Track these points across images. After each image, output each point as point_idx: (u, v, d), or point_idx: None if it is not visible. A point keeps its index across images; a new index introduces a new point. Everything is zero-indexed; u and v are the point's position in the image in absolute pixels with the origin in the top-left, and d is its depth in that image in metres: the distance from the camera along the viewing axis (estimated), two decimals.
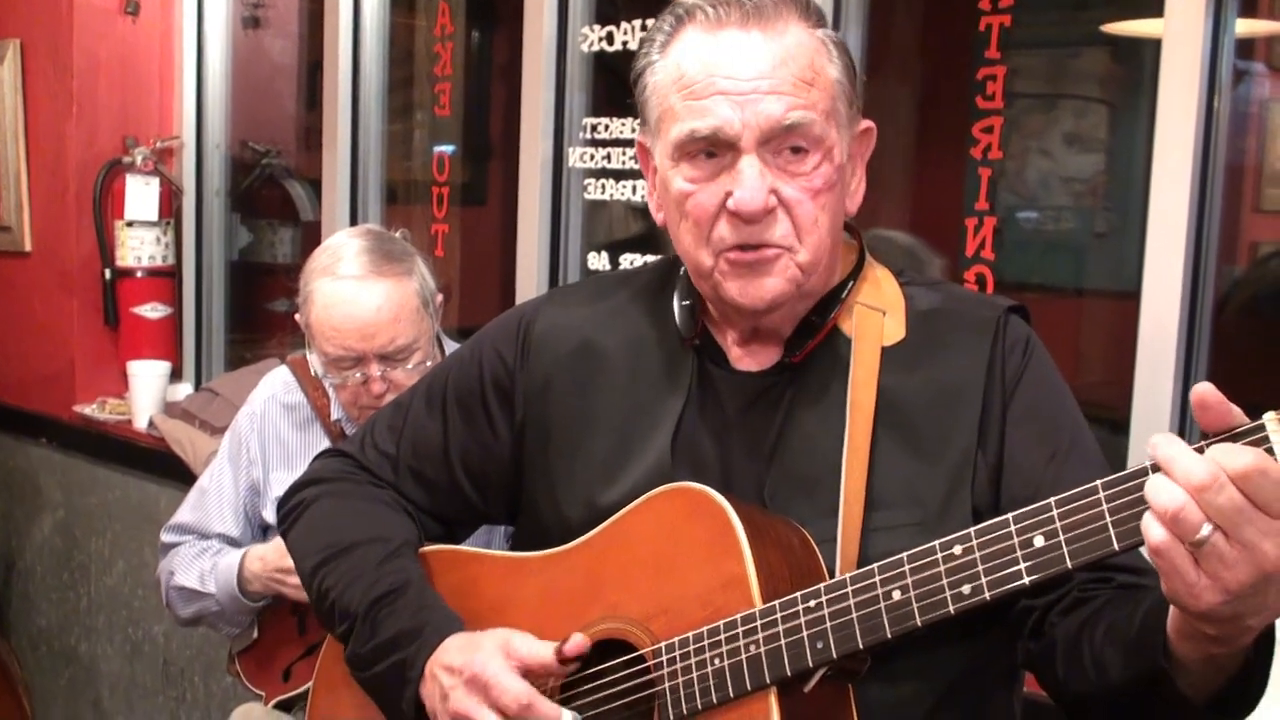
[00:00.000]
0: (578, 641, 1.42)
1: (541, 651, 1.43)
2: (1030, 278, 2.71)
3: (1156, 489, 1.06)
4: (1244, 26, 2.24)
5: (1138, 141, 2.43)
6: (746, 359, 1.54)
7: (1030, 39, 2.54)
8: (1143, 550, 1.12)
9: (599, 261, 3.11)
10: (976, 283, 2.47)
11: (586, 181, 3.13)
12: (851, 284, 1.53)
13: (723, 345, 1.56)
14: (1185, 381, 2.22)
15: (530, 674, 1.44)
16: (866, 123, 1.53)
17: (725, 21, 1.41)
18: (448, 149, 3.65)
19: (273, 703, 2.46)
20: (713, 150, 1.42)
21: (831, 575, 1.38)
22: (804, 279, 1.45)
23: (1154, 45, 2.25)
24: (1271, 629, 1.17)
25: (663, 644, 1.40)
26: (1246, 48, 2.32)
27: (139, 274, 4.11)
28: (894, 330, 1.50)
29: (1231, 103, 2.24)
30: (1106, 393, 2.42)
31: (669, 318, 1.58)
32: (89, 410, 4.11)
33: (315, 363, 2.43)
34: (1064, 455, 1.44)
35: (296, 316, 2.41)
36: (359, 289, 2.29)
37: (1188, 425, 2.20)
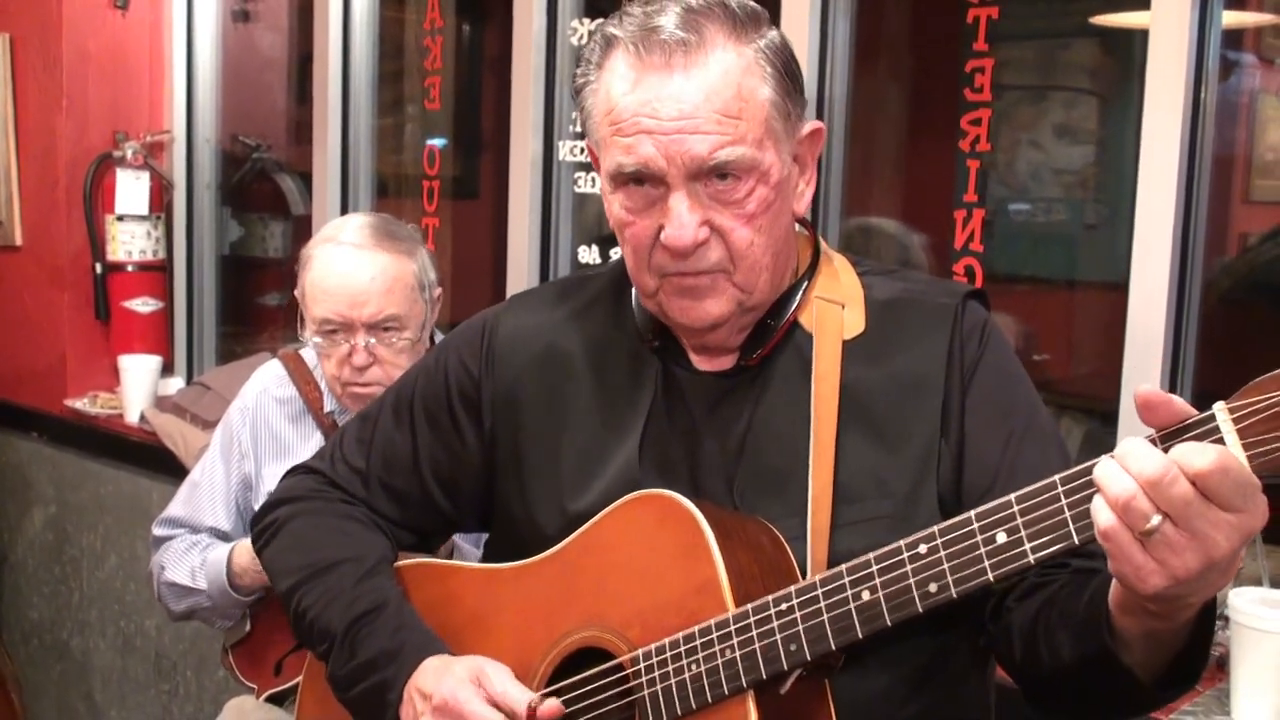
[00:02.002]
0: (552, 706, 1.42)
1: (514, 696, 1.43)
2: (1020, 270, 2.72)
3: (1109, 476, 1.09)
4: (1232, 18, 2.25)
5: (1127, 133, 2.43)
6: (705, 362, 1.55)
7: (1018, 31, 2.55)
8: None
9: (590, 255, 3.11)
10: (966, 275, 2.47)
11: (577, 175, 3.13)
12: (807, 281, 1.53)
13: (683, 346, 1.56)
14: (1174, 372, 2.22)
15: (496, 708, 1.44)
16: (813, 124, 1.51)
17: (648, 61, 1.38)
18: (438, 143, 3.64)
19: (264, 696, 2.46)
20: (645, 180, 1.42)
21: (803, 572, 1.40)
22: (744, 297, 1.46)
23: (1143, 36, 2.26)
24: (1212, 603, 1.19)
25: (640, 651, 1.41)
26: (1236, 39, 2.33)
27: (130, 268, 4.10)
28: (854, 322, 1.50)
29: (1221, 94, 2.24)
30: (1097, 384, 2.42)
31: (629, 319, 1.58)
32: (80, 404, 4.10)
33: (306, 335, 2.42)
34: (1019, 439, 1.44)
35: (296, 292, 2.41)
36: (357, 256, 2.31)
37: None
